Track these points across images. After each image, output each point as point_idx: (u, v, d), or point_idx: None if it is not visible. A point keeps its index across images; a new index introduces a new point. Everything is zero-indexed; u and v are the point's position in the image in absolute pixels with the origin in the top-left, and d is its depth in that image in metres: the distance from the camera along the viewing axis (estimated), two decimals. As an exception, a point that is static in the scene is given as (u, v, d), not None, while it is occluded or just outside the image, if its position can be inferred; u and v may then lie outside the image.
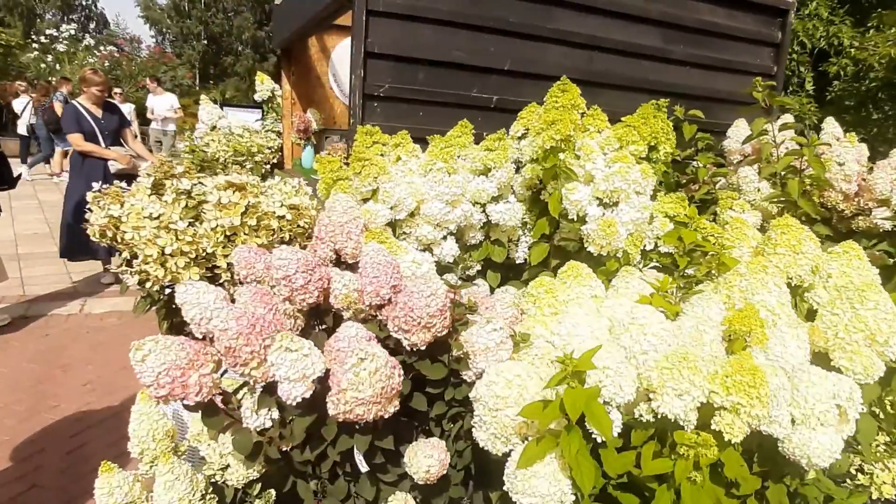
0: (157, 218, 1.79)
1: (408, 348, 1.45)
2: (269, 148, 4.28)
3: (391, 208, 1.87)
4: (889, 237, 2.19)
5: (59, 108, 9.14)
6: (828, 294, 1.87)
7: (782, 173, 2.30)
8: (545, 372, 1.55)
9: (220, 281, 1.80)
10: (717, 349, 1.57)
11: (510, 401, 1.40)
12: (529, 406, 1.31)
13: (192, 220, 1.80)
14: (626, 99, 2.75)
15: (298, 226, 1.88)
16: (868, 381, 1.58)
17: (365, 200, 1.90)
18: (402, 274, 1.60)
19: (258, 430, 1.35)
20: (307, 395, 1.21)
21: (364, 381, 1.16)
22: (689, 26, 2.76)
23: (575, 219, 1.86)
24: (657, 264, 1.97)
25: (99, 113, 4.70)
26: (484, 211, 2.03)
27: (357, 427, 1.34)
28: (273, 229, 1.82)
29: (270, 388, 1.32)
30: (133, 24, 47.54)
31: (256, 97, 5.00)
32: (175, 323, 2.01)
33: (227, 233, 1.74)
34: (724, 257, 1.96)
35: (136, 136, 5.21)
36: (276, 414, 1.35)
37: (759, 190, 2.35)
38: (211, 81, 24.70)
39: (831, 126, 2.62)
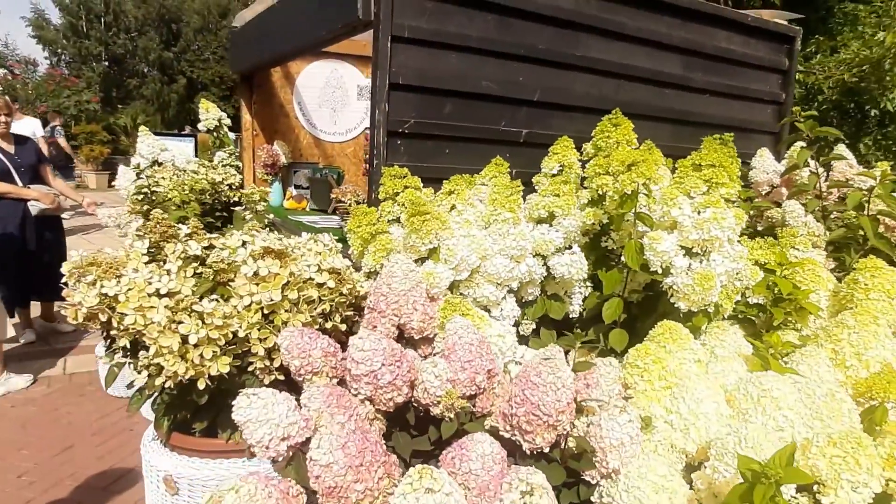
0: (167, 296, 1.46)
1: (528, 452, 1.20)
2: (231, 185, 3.89)
3: (452, 268, 1.62)
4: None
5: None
6: (917, 339, 1.79)
7: (834, 209, 2.25)
8: (670, 462, 1.35)
9: (253, 371, 1.48)
10: (855, 420, 1.43)
11: (659, 509, 1.19)
12: (702, 522, 1.09)
13: (210, 297, 1.48)
14: (652, 129, 2.64)
15: (340, 294, 1.59)
16: None
17: (419, 260, 1.65)
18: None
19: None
20: (449, 545, 0.94)
21: (530, 522, 0.91)
22: (708, 53, 2.72)
23: (659, 271, 1.68)
24: (739, 316, 1.84)
25: (10, 147, 4.13)
26: (545, 264, 1.82)
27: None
28: (313, 300, 1.53)
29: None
30: (24, 44, 44.32)
31: (200, 126, 4.58)
32: (178, 420, 1.66)
33: (265, 311, 1.43)
34: (803, 302, 1.85)
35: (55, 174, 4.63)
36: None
37: (806, 224, 2.29)
38: (117, 105, 23.24)
39: (845, 152, 2.62)
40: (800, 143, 2.80)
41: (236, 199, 3.95)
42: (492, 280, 1.71)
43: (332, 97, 4.18)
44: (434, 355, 1.49)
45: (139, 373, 1.43)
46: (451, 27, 2.09)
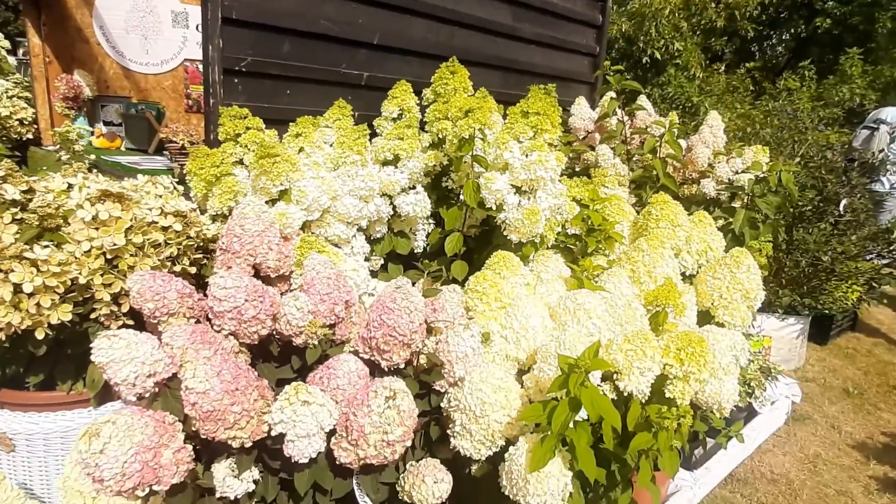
0: (-13, 243, 1.38)
1: (386, 369, 1.40)
2: (20, 120, 3.47)
3: (304, 209, 1.72)
4: (714, 203, 2.74)
5: None
6: (692, 258, 2.28)
7: (636, 152, 2.70)
8: (506, 368, 1.64)
9: (97, 318, 1.47)
10: (645, 323, 1.83)
11: (497, 405, 1.46)
12: (531, 409, 1.38)
13: (38, 243, 1.43)
14: (483, 76, 2.89)
15: (188, 237, 1.62)
16: (742, 330, 2.00)
17: (269, 202, 1.72)
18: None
19: (237, 497, 1.18)
20: (322, 449, 1.11)
21: (393, 421, 1.11)
22: (534, 6, 3.00)
23: (493, 207, 1.94)
24: (560, 245, 2.18)
25: None
26: (391, 203, 1.99)
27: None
28: (159, 244, 1.54)
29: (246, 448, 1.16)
30: None
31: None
32: (7, 376, 1.59)
33: (109, 256, 1.42)
34: (611, 232, 2.25)
35: None
36: (256, 475, 1.20)
37: (614, 166, 2.72)
38: None
39: (645, 102, 3.13)
40: (610, 94, 3.24)
41: (29, 136, 3.55)
42: (342, 219, 1.84)
43: (143, 23, 3.85)
44: (291, 291, 1.60)
45: (-38, 328, 1.35)
46: (287, -39, 2.09)
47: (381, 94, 2.39)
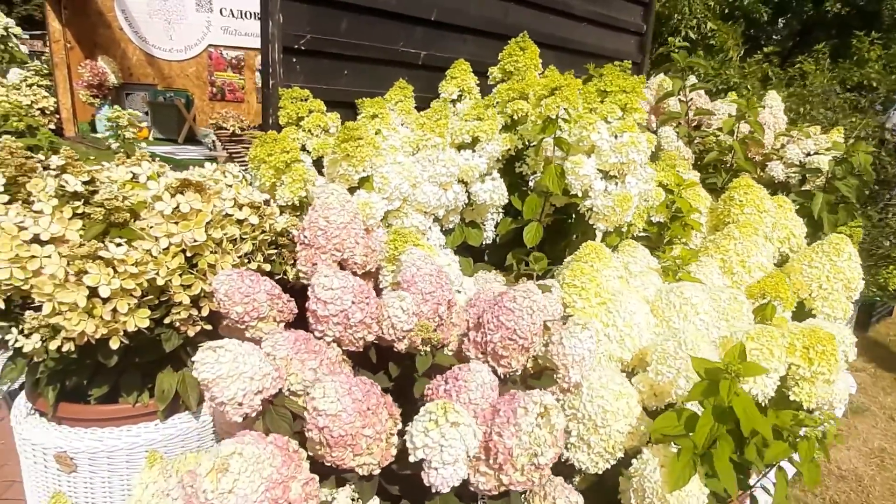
0: (50, 242, 1.21)
1: (502, 376, 1.23)
2: (42, 109, 3.27)
3: (386, 198, 1.55)
4: (782, 187, 2.57)
5: None
6: (773, 245, 2.11)
7: (696, 135, 2.53)
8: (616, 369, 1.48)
9: (171, 323, 1.30)
10: (750, 318, 1.67)
11: (619, 414, 1.30)
12: (664, 419, 1.22)
13: (111, 241, 1.25)
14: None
15: (262, 231, 1.45)
16: (842, 323, 1.85)
17: (349, 190, 1.54)
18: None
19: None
20: (465, 475, 0.94)
21: (545, 442, 0.94)
22: (587, -19, 2.81)
23: (579, 194, 1.77)
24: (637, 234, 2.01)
25: None
26: (467, 190, 1.82)
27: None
28: (235, 240, 1.37)
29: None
30: None
31: (-20, 36, 3.76)
32: (66, 389, 1.42)
33: (189, 254, 1.25)
34: (688, 219, 2.08)
35: None
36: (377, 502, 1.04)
37: (678, 148, 2.55)
38: None
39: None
40: (660, 75, 3.06)
41: (51, 126, 3.35)
42: (420, 209, 1.67)
43: (166, 7, 3.64)
44: (381, 289, 1.43)
45: (27, 336, 1.18)
46: (348, -71, 1.90)
47: (437, 75, 2.21)
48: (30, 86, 3.33)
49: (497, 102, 1.95)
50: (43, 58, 4.36)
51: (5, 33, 3.79)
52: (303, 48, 1.88)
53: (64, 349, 1.19)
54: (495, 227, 2.04)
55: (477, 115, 1.74)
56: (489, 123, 1.75)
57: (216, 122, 1.99)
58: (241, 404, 0.97)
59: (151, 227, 1.22)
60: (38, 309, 1.22)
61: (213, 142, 2.28)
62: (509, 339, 1.19)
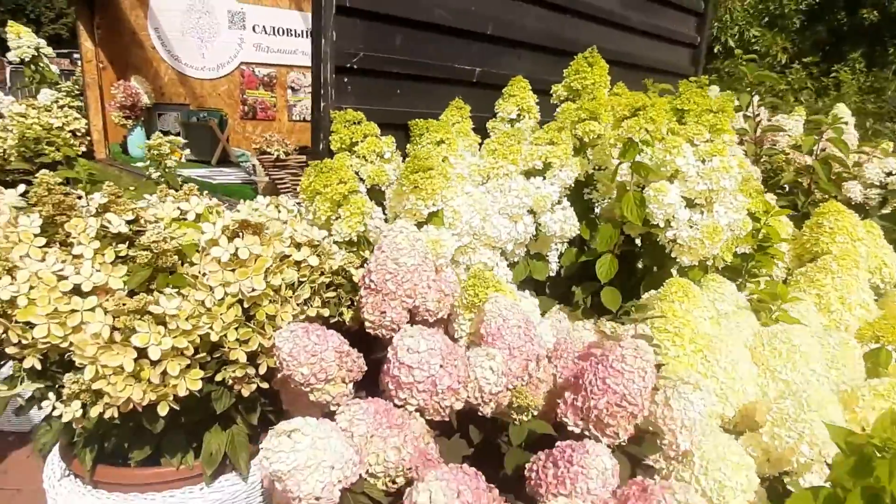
0: (93, 293, 1.06)
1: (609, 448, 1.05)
2: (73, 131, 3.17)
3: (456, 234, 1.38)
4: (859, 209, 2.36)
5: None
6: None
7: (765, 153, 2.33)
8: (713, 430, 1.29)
9: (223, 380, 1.15)
10: (861, 365, 1.47)
11: (738, 489, 1.12)
12: (798, 499, 1.03)
13: (161, 292, 1.11)
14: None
15: (321, 273, 1.29)
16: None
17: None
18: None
19: None
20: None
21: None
22: (642, -9, 2.64)
23: (661, 224, 1.59)
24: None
25: None
26: (535, 221, 1.65)
27: None
28: (292, 285, 1.21)
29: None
30: None
31: (11, 56, 3.69)
32: (105, 451, 1.27)
33: (246, 304, 1.10)
34: (773, 250, 1.89)
35: None
36: None
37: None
38: None
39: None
40: (715, 88, 2.88)
41: (83, 148, 3.26)
42: (489, 243, 1.50)
43: (199, 24, 3.54)
44: (457, 340, 1.27)
45: (66, 404, 1.03)
46: (402, -61, 1.76)
47: (492, 93, 2.05)
48: (61, 107, 3.24)
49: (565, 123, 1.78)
50: (73, 78, 4.30)
51: (36, 53, 3.73)
52: (355, 67, 1.74)
53: (106, 415, 1.04)
54: (558, 258, 1.87)
55: (550, 139, 1.58)
56: (563, 148, 1.58)
57: (259, 146, 1.85)
58: (318, 498, 0.80)
59: (206, 275, 1.06)
60: (76, 368, 1.08)
61: (253, 166, 2.14)
62: (618, 405, 1.01)
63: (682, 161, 1.57)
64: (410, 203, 1.31)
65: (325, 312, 1.32)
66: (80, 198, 1.26)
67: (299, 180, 1.99)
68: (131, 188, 1.64)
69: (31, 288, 1.04)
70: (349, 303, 1.41)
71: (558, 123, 1.62)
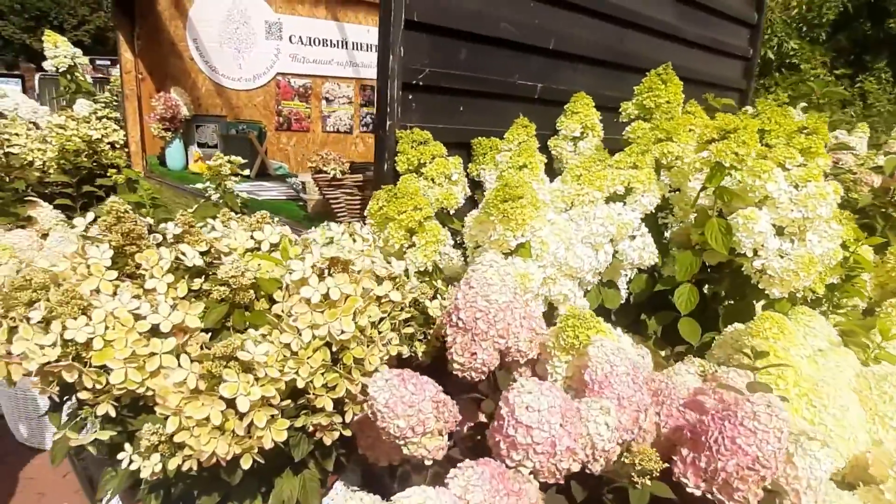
0: (171, 334, 0.98)
1: (729, 512, 0.95)
2: (112, 143, 3.12)
3: (542, 266, 1.29)
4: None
5: None
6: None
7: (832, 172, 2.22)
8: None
9: (303, 427, 1.06)
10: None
11: (870, 556, 1.01)
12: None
13: (244, 334, 1.02)
14: (648, 85, 2.45)
15: (402, 309, 1.20)
16: None
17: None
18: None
19: None
20: None
21: None
22: (697, 2, 2.54)
23: (749, 253, 1.49)
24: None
25: None
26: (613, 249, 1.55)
27: None
28: (375, 323, 1.12)
29: None
30: None
31: (47, 66, 3.66)
32: (172, 497, 1.19)
33: (334, 347, 1.01)
34: (860, 280, 1.78)
35: None
36: None
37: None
38: None
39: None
40: (771, 103, 2.76)
41: (120, 161, 3.21)
42: (570, 274, 1.41)
43: (236, 35, 3.49)
44: (554, 383, 1.17)
45: (144, 457, 0.95)
46: (469, -50, 1.67)
47: (552, 109, 1.97)
48: (99, 118, 3.19)
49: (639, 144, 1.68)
50: (108, 87, 4.27)
51: (73, 63, 3.69)
52: (420, 83, 1.65)
53: (184, 468, 0.96)
54: (627, 283, 1.77)
55: (633, 163, 1.48)
56: (646, 172, 1.48)
57: (315, 165, 1.77)
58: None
59: (293, 317, 0.98)
60: (148, 411, 1.00)
61: (303, 183, 2.06)
62: (749, 468, 0.91)
63: (773, 187, 1.46)
64: (497, 234, 1.22)
65: (405, 351, 1.23)
66: (149, 228, 1.18)
67: (355, 200, 1.91)
68: (189, 210, 1.57)
69: (107, 328, 0.96)
70: (422, 336, 1.32)
71: (640, 146, 1.53)
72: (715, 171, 1.46)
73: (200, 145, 3.22)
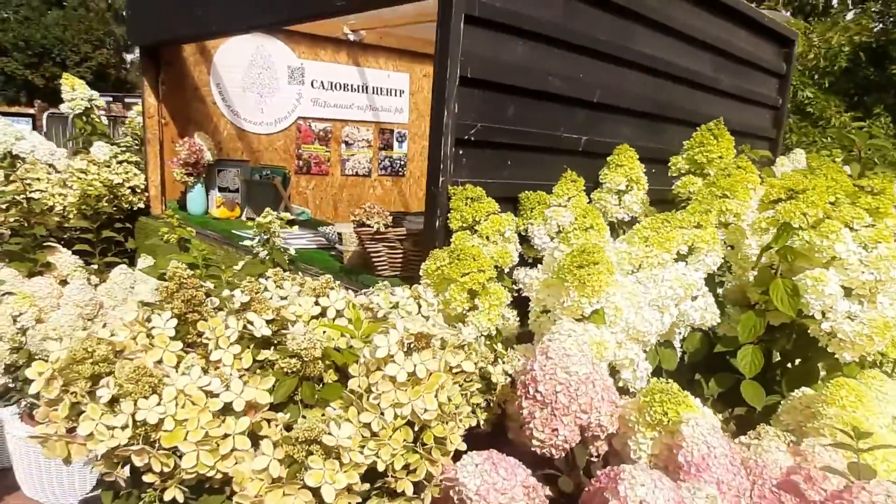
0: (244, 412, 0.93)
1: None
2: (133, 188, 3.11)
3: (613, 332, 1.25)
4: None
5: None
6: None
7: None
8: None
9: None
10: None
11: None
12: None
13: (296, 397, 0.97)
14: (683, 135, 2.45)
15: (473, 381, 1.15)
16: None
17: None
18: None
19: None
20: None
21: None
22: (732, 53, 2.57)
23: (818, 316, 1.45)
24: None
25: None
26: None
27: None
28: (450, 398, 1.07)
29: None
30: None
31: (64, 108, 3.67)
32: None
33: (417, 427, 0.95)
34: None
35: None
36: None
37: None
38: None
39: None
40: (800, 151, 2.77)
41: (140, 205, 3.19)
42: (636, 338, 1.36)
43: (259, 80, 3.51)
44: (638, 460, 1.11)
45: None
46: (520, 6, 1.68)
47: (596, 161, 1.96)
48: (119, 162, 3.18)
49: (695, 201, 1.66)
50: (122, 129, 4.28)
51: (89, 106, 3.70)
52: (472, 139, 1.64)
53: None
54: (681, 342, 1.73)
55: (698, 222, 1.45)
56: (710, 232, 1.46)
57: (359, 218, 1.74)
58: None
59: (374, 395, 0.93)
60: (215, 493, 0.93)
61: (339, 235, 2.03)
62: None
63: (841, 247, 1.44)
64: (571, 300, 1.18)
65: (473, 422, 1.18)
66: (207, 295, 1.14)
67: (396, 254, 1.88)
68: (234, 268, 1.53)
69: (179, 407, 0.91)
70: (484, 402, 1.27)
71: (703, 204, 1.50)
72: (782, 232, 1.44)
73: (221, 190, 3.20)
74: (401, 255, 1.87)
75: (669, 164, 1.85)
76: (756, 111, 2.85)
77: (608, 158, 1.94)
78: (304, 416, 1.00)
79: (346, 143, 3.99)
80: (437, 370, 0.95)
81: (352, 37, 3.72)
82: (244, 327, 1.05)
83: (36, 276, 2.71)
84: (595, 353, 1.18)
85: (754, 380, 1.56)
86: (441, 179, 1.57)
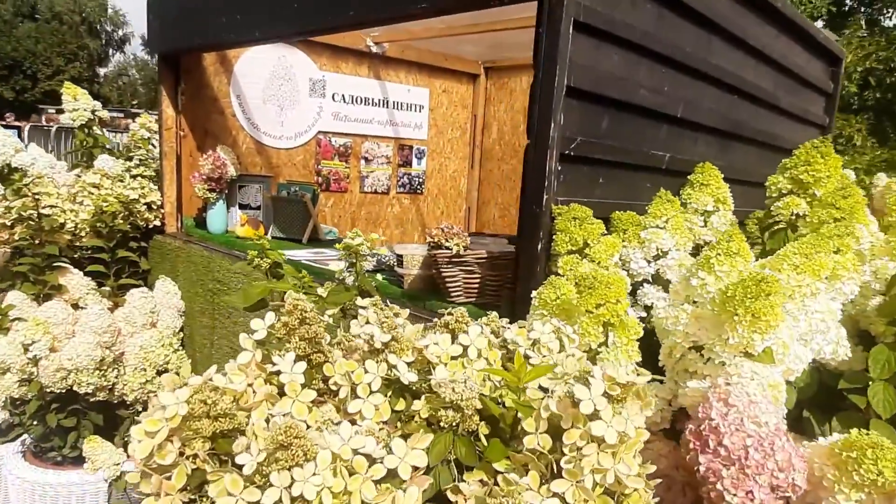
0: (412, 481, 0.76)
1: None
2: (148, 204, 2.90)
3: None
4: None
5: None
6: None
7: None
8: None
9: None
10: None
11: None
12: None
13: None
14: (748, 154, 2.36)
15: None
16: None
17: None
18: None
19: None
20: None
21: None
22: (791, 70, 2.49)
23: (957, 353, 1.33)
24: None
25: None
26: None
27: None
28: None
29: None
30: None
31: (65, 119, 3.45)
32: None
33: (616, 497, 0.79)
34: None
35: None
36: None
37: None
38: None
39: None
40: (849, 172, 2.69)
41: (156, 222, 2.98)
42: (787, 377, 1.22)
43: (280, 92, 3.35)
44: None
45: None
46: (617, 12, 1.56)
47: (677, 180, 1.83)
48: (133, 176, 2.98)
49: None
50: (124, 144, 4.05)
51: (92, 117, 3.48)
52: (572, 154, 1.50)
53: None
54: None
55: (837, 247, 1.33)
56: (850, 258, 1.33)
57: (437, 239, 1.59)
58: None
59: (569, 460, 0.77)
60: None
61: (399, 257, 1.86)
62: None
63: (985, 278, 1.32)
64: (739, 335, 1.04)
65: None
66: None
67: (473, 279, 1.72)
68: (314, 295, 1.35)
69: (336, 476, 0.74)
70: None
71: (842, 228, 1.38)
72: (923, 260, 1.32)
73: (242, 206, 3.02)
74: (477, 280, 1.72)
75: (767, 184, 1.73)
76: (807, 131, 2.78)
77: (690, 177, 1.81)
78: (463, 481, 0.83)
79: (366, 160, 3.83)
80: (642, 426, 0.80)
81: (374, 49, 3.59)
82: (386, 372, 0.88)
83: (47, 300, 2.48)
84: (772, 398, 1.03)
85: (888, 421, 1.43)
86: (545, 198, 1.43)
